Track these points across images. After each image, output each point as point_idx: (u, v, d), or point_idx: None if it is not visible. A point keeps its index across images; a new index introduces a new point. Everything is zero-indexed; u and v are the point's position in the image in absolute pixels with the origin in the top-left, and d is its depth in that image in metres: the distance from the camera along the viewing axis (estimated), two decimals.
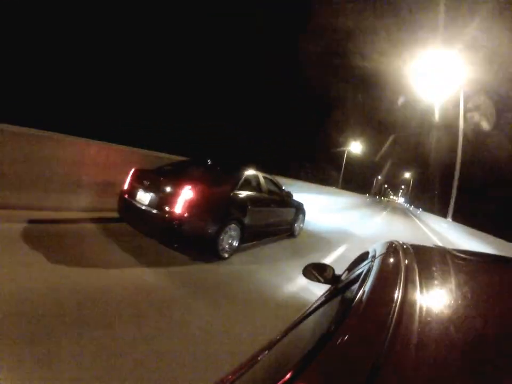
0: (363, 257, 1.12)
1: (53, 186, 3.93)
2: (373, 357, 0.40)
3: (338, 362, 0.43)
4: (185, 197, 3.11)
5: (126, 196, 3.58)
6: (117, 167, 4.48)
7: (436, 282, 0.68)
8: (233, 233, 3.72)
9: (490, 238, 9.78)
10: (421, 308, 0.53)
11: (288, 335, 0.83)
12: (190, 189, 3.15)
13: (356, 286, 0.71)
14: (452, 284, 0.68)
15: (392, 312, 0.49)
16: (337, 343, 0.46)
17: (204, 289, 2.77)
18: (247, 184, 4.26)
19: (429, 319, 0.50)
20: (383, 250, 0.91)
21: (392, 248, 0.91)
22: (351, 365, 0.42)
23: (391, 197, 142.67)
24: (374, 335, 0.46)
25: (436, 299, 0.59)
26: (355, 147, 36.48)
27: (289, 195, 5.52)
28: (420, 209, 38.27)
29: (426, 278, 0.67)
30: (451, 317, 0.52)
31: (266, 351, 0.76)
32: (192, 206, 3.13)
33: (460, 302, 0.58)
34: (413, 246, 0.93)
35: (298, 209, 5.94)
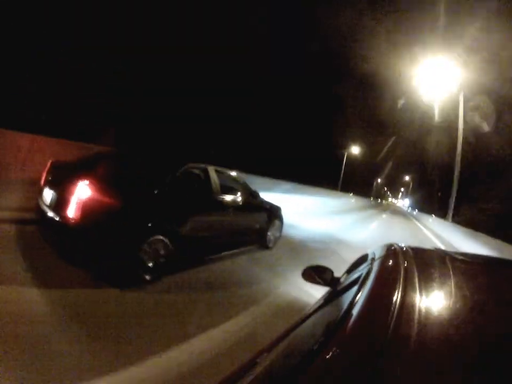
0: (362, 259, 1.12)
1: None
2: (372, 358, 0.40)
3: (338, 364, 0.43)
4: (79, 196, 2.34)
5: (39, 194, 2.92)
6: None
7: (435, 284, 0.68)
8: (159, 249, 2.75)
9: None
10: (420, 310, 0.53)
11: (288, 337, 0.84)
12: (87, 185, 2.35)
13: (355, 288, 0.71)
14: (451, 286, 0.68)
15: (391, 314, 0.49)
16: (337, 345, 0.46)
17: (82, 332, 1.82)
18: (188, 180, 3.32)
19: (428, 321, 0.50)
20: (382, 253, 0.91)
21: (392, 251, 0.91)
22: (351, 366, 0.42)
23: (390, 199, 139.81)
24: (373, 337, 0.46)
25: (435, 301, 0.59)
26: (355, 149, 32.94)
27: (257, 196, 4.44)
28: (433, 216, 24.49)
29: (426, 281, 0.67)
30: (450, 320, 0.52)
31: (267, 353, 0.77)
32: (89, 209, 2.34)
33: (459, 304, 0.58)
34: (412, 249, 0.93)
35: (272, 214, 4.77)
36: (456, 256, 0.92)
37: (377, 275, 0.71)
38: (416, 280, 0.65)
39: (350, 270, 1.27)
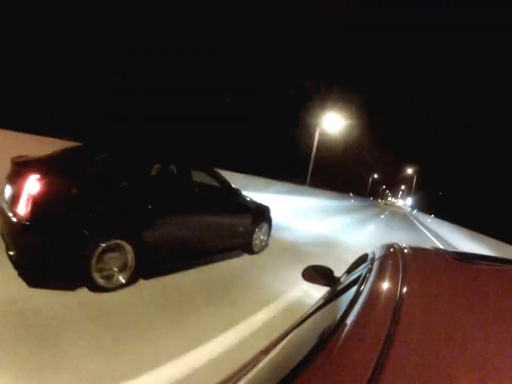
0: (362, 259, 1.13)
1: None
2: (372, 359, 0.40)
3: (337, 365, 0.43)
4: (29, 191, 2.13)
5: None
6: None
7: (435, 284, 0.68)
8: (120, 253, 2.51)
9: None
10: (420, 311, 0.53)
11: (288, 337, 0.84)
12: (38, 179, 2.15)
13: (355, 288, 0.71)
14: (452, 286, 0.67)
15: (391, 314, 0.49)
16: (337, 345, 0.46)
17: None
18: (156, 177, 2.98)
19: (428, 321, 0.50)
20: (382, 253, 0.92)
21: (392, 251, 0.91)
22: (350, 367, 0.41)
23: (389, 198, 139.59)
24: (373, 337, 0.45)
25: (435, 302, 0.59)
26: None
27: (240, 195, 4.00)
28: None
29: (426, 281, 0.67)
30: (451, 320, 0.52)
31: (267, 353, 0.77)
32: (39, 205, 2.14)
33: (459, 304, 0.58)
34: (412, 249, 0.93)
35: (259, 215, 4.32)
36: (457, 255, 0.91)
37: (377, 275, 0.71)
38: (416, 280, 0.65)
39: (350, 270, 1.27)
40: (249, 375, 0.65)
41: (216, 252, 3.71)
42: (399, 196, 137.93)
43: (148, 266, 2.81)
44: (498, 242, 10.30)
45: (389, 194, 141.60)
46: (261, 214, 4.42)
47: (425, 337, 0.46)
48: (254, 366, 0.70)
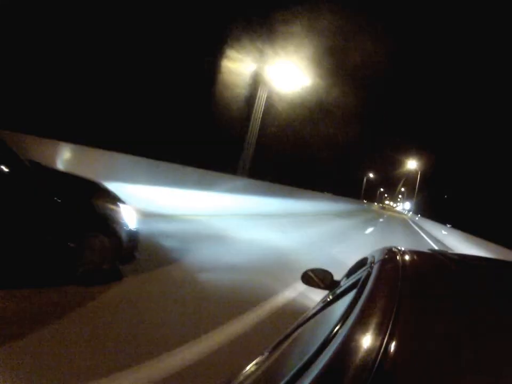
0: (362, 262, 1.13)
1: None
2: (371, 362, 0.40)
3: (336, 369, 0.43)
4: None
5: None
6: None
7: (434, 287, 0.68)
8: None
9: None
10: (419, 313, 0.53)
11: (287, 340, 0.84)
12: None
13: (354, 292, 0.71)
14: (451, 289, 0.68)
15: (390, 318, 0.49)
16: (336, 348, 0.46)
17: None
18: None
19: (427, 325, 0.50)
20: (382, 256, 0.92)
21: (391, 254, 0.92)
22: (349, 371, 0.41)
23: (386, 202, 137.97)
24: (373, 340, 0.45)
25: (434, 305, 0.60)
26: None
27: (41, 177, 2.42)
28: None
29: (425, 283, 0.67)
30: (450, 324, 0.52)
31: (267, 355, 0.77)
32: None
33: (459, 307, 0.58)
34: (411, 252, 0.94)
35: (83, 218, 2.54)
36: (456, 258, 0.92)
37: (377, 278, 0.72)
38: (416, 283, 0.65)
39: (349, 273, 1.27)
40: (250, 377, 0.65)
41: None
42: (399, 199, 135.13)
43: None
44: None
45: (387, 197, 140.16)
46: (88, 217, 2.58)
47: (424, 340, 0.46)
48: (255, 368, 0.70)
